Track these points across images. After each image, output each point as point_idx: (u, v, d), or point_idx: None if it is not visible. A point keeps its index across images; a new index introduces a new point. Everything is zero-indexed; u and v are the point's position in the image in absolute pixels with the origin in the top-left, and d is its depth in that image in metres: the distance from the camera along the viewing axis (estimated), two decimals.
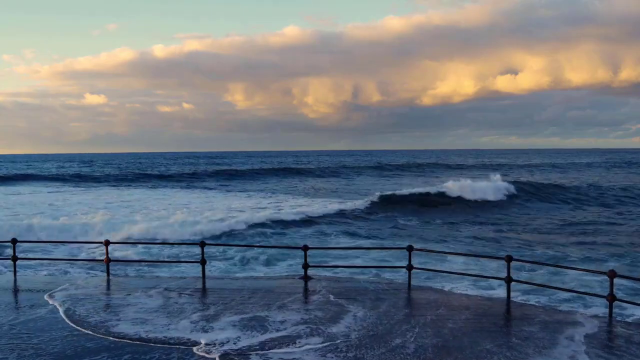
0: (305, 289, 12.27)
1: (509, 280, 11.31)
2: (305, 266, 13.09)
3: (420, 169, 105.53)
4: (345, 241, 27.36)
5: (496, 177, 50.44)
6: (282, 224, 31.83)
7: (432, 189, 45.02)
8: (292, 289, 12.32)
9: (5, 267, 18.21)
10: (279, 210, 37.32)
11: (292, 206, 39.93)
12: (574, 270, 16.59)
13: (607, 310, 10.40)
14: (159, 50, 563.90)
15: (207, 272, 13.92)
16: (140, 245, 22.85)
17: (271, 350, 8.22)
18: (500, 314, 10.50)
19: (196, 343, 8.58)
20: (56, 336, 9.00)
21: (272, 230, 30.22)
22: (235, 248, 22.25)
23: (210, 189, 60.47)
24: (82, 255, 22.02)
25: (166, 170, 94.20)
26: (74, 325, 9.56)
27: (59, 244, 22.90)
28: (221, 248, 22.60)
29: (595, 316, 10.54)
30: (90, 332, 9.18)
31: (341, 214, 36.31)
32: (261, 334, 8.95)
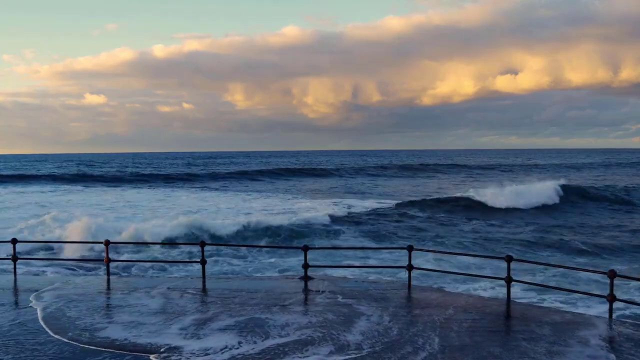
0: (306, 289, 12.23)
1: (508, 280, 11.25)
2: (306, 266, 13.05)
3: (465, 170, 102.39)
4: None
5: (549, 182, 47.61)
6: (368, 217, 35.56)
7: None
8: (292, 288, 12.29)
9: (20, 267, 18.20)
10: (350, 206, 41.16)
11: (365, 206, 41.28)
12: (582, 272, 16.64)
13: (611, 311, 10.27)
14: (159, 50, 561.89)
15: (206, 272, 13.89)
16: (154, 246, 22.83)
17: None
18: (511, 315, 10.43)
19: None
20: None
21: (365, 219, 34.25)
22: (234, 248, 22.27)
23: (260, 191, 57.46)
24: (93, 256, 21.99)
25: (213, 173, 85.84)
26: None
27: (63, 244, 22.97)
28: (227, 247, 22.63)
29: (596, 316, 10.45)
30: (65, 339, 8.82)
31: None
32: (262, 340, 8.71)
